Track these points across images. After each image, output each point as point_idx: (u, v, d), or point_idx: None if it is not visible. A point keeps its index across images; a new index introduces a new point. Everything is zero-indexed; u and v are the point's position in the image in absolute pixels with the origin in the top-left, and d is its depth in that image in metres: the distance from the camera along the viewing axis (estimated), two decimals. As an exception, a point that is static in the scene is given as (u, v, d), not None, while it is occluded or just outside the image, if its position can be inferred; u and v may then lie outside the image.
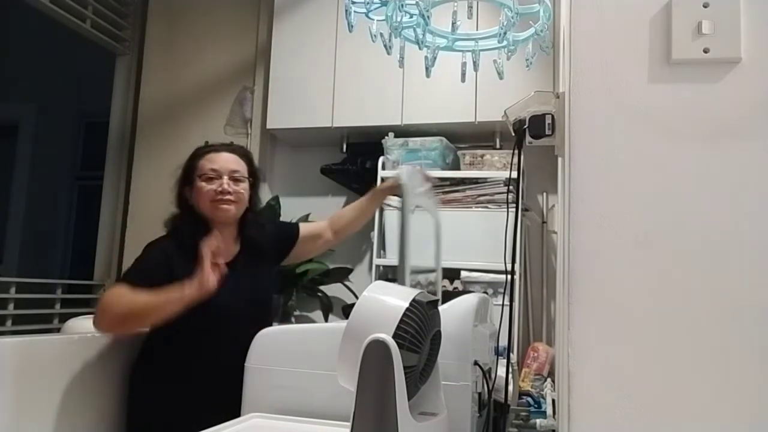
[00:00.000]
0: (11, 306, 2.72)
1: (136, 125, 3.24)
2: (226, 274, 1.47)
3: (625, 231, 0.81)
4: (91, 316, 1.53)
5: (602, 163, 0.83)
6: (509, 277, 1.27)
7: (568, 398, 0.80)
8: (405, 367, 0.92)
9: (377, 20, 1.62)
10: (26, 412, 1.40)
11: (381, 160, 2.64)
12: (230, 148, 1.75)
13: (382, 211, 2.58)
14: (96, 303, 3.08)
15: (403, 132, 2.66)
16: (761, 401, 0.75)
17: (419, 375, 0.99)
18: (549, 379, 2.07)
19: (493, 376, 1.34)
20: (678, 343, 0.78)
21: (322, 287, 2.79)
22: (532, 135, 1.08)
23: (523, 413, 1.57)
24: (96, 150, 3.52)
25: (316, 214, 2.81)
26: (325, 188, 2.99)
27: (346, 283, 2.79)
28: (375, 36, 1.65)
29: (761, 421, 0.75)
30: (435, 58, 1.66)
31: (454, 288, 2.40)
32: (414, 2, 1.49)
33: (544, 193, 2.69)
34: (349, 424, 0.92)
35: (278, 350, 1.39)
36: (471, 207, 2.48)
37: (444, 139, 2.60)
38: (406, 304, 0.96)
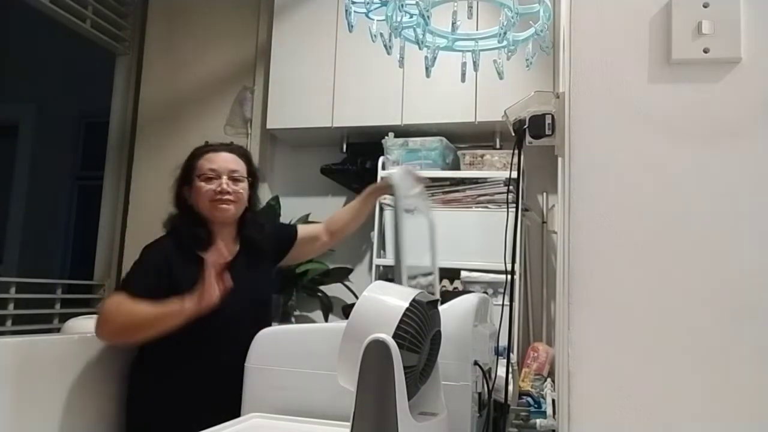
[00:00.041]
0: (11, 306, 2.71)
1: (136, 125, 3.23)
2: (226, 277, 1.47)
3: (625, 231, 0.81)
4: (91, 316, 1.54)
5: (602, 163, 0.83)
6: (509, 277, 1.27)
7: (568, 398, 0.80)
8: (405, 367, 0.92)
9: (377, 20, 1.62)
10: (26, 412, 1.40)
11: (381, 160, 2.64)
12: (229, 147, 1.75)
13: (381, 211, 2.58)
14: (96, 303, 3.11)
15: (403, 132, 2.66)
16: (761, 401, 0.75)
17: (419, 375, 0.99)
18: (549, 379, 2.07)
19: (493, 376, 1.34)
20: (678, 343, 0.78)
21: (322, 287, 2.79)
22: (532, 135, 1.08)
23: (523, 413, 1.57)
24: (96, 150, 3.52)
25: (316, 214, 2.81)
26: (325, 188, 2.99)
27: (346, 283, 2.79)
28: (375, 36, 1.64)
29: (761, 421, 0.75)
30: (435, 58, 1.66)
31: (454, 288, 2.40)
32: (414, 2, 1.49)
33: (544, 193, 2.69)
34: (349, 424, 0.92)
35: (278, 350, 1.39)
36: (471, 207, 2.48)
37: (444, 139, 2.60)
38: (406, 304, 0.96)
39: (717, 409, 0.76)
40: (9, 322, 2.70)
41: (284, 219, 2.84)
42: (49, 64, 4.01)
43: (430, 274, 1.63)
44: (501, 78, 1.72)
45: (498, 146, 2.72)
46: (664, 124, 0.82)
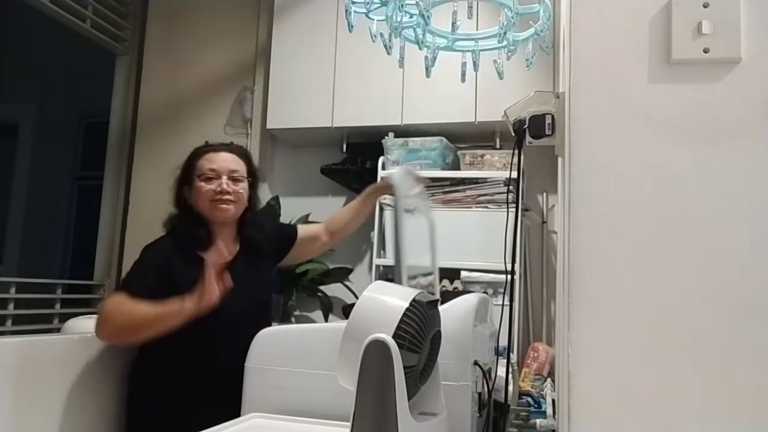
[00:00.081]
0: (11, 306, 2.71)
1: (136, 125, 3.23)
2: (226, 278, 1.47)
3: (625, 231, 0.81)
4: (91, 316, 1.54)
5: (602, 163, 0.83)
6: (509, 277, 1.27)
7: (568, 398, 0.80)
8: (405, 367, 0.92)
9: (377, 20, 1.62)
10: (26, 412, 1.40)
11: (381, 160, 2.64)
12: (229, 147, 1.75)
13: (381, 211, 2.58)
14: (96, 303, 3.11)
15: (403, 132, 2.66)
16: (761, 401, 0.75)
17: (419, 375, 0.99)
18: (549, 379, 2.07)
19: (493, 376, 1.34)
20: (678, 343, 0.78)
21: (322, 287, 2.79)
22: (532, 135, 1.08)
23: (523, 413, 1.57)
24: (96, 150, 3.52)
25: (316, 214, 2.81)
26: (325, 188, 2.99)
27: (346, 283, 2.79)
28: (375, 36, 1.64)
29: (761, 421, 0.75)
30: (435, 58, 1.66)
31: (454, 288, 2.40)
32: (414, 2, 1.49)
33: (544, 193, 2.69)
34: (349, 424, 0.92)
35: (278, 350, 1.39)
36: (471, 207, 2.48)
37: (444, 139, 2.60)
38: (406, 304, 0.96)
39: (717, 409, 0.76)
40: (9, 322, 2.70)
41: (284, 219, 2.84)
42: (49, 64, 4.01)
43: (430, 274, 1.63)
44: (501, 78, 1.72)
45: (498, 146, 2.72)
46: (664, 124, 0.82)
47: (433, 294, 1.48)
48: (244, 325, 1.47)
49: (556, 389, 1.57)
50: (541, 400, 1.76)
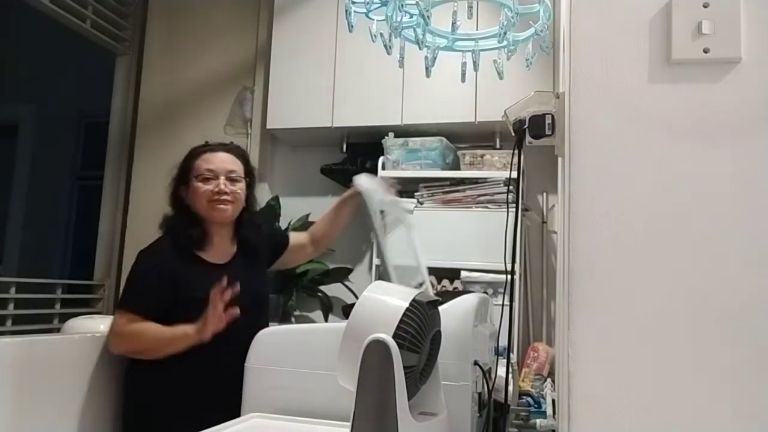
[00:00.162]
0: (11, 306, 2.71)
1: (136, 125, 3.24)
2: (225, 276, 1.48)
3: (625, 231, 0.81)
4: (92, 316, 1.55)
5: (602, 163, 0.83)
6: (509, 277, 1.27)
7: (568, 398, 0.80)
8: (405, 367, 0.92)
9: (377, 20, 1.62)
10: (26, 412, 1.40)
11: (381, 160, 2.64)
12: (226, 147, 1.75)
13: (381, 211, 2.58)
14: (96, 303, 3.11)
15: (403, 132, 2.66)
16: (760, 401, 0.75)
17: (419, 375, 0.99)
18: (549, 379, 2.07)
19: (493, 376, 1.34)
20: (678, 342, 0.78)
21: (322, 287, 2.79)
22: (532, 135, 1.08)
23: (523, 413, 1.57)
24: (96, 150, 3.52)
25: (316, 214, 2.80)
26: (325, 188, 2.98)
27: (346, 283, 2.79)
28: (375, 36, 1.64)
29: (760, 421, 0.75)
30: (435, 58, 1.66)
31: (454, 288, 2.40)
32: (414, 2, 1.49)
33: (544, 193, 2.69)
34: (349, 424, 0.92)
35: (278, 350, 1.39)
36: (471, 207, 2.48)
37: (444, 139, 2.60)
38: (406, 304, 0.96)
39: (717, 409, 0.76)
40: (9, 322, 2.70)
41: (284, 219, 2.84)
42: (49, 64, 4.00)
43: (422, 284, 1.62)
44: (501, 78, 1.71)
45: (498, 146, 2.72)
46: (663, 124, 0.82)
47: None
48: (243, 325, 1.47)
49: (556, 389, 1.57)
50: (541, 400, 1.76)
